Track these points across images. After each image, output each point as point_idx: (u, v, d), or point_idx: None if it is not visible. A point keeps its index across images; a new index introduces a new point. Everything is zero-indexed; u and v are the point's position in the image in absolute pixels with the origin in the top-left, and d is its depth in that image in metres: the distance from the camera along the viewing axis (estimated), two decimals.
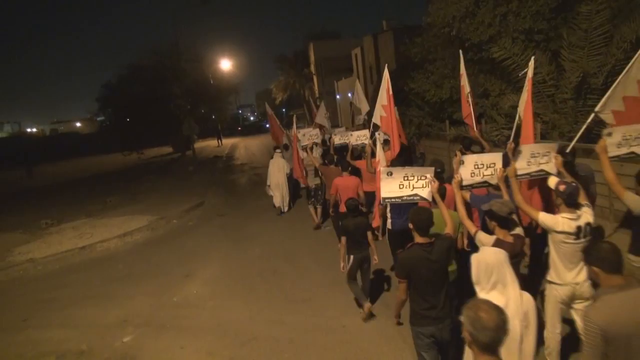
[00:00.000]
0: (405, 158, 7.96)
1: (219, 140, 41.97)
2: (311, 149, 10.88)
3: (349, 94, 34.55)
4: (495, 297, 2.75)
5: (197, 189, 17.33)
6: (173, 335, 6.22)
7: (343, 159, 8.78)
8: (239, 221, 12.10)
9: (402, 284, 3.83)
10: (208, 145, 41.62)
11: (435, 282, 3.73)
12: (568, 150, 5.10)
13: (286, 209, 12.13)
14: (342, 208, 6.94)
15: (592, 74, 8.83)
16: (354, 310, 6.07)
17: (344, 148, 9.96)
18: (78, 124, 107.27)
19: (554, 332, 4.06)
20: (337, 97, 37.51)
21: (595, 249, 2.86)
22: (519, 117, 5.99)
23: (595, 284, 3.15)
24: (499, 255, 2.91)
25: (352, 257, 5.90)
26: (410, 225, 3.92)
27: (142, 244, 11.24)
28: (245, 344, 5.76)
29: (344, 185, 7.67)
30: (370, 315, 5.81)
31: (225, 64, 35.96)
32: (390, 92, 7.64)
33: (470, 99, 7.71)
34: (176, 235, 11.62)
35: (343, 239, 5.88)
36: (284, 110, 53.25)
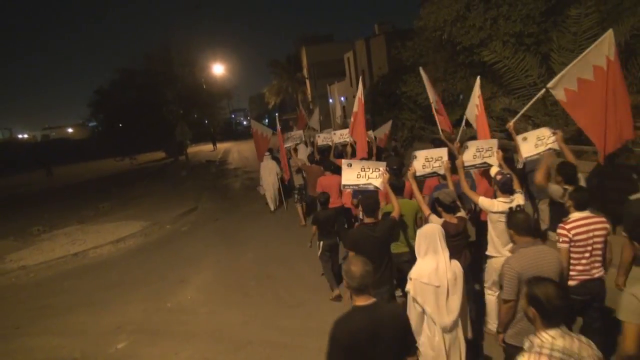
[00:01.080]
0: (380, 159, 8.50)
1: (214, 145, 42.06)
2: (295, 149, 11.62)
3: (342, 98, 34.65)
4: (428, 260, 3.65)
5: (190, 194, 17.28)
6: (167, 341, 6.19)
7: (326, 159, 9.32)
8: (233, 226, 12.08)
9: (351, 252, 4.63)
10: (201, 150, 41.52)
11: (376, 253, 4.46)
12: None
13: (276, 206, 12.69)
14: (330, 204, 7.42)
15: None
16: None
17: (328, 149, 10.52)
18: (70, 130, 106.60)
19: (493, 295, 4.94)
20: (330, 100, 37.59)
21: (512, 218, 3.81)
22: (466, 123, 7.39)
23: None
24: (433, 230, 3.73)
25: (321, 242, 6.79)
26: (360, 208, 4.95)
27: (135, 249, 11.19)
28: (240, 349, 5.75)
29: (327, 183, 8.11)
30: (338, 298, 6.57)
31: (218, 69, 35.94)
32: (363, 101, 8.85)
33: (437, 107, 8.30)
34: (170, 241, 11.58)
35: (314, 227, 6.88)
36: (277, 114, 53.28)
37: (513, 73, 10.07)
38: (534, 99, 6.08)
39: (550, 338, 2.39)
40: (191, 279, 8.53)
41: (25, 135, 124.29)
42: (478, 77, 7.01)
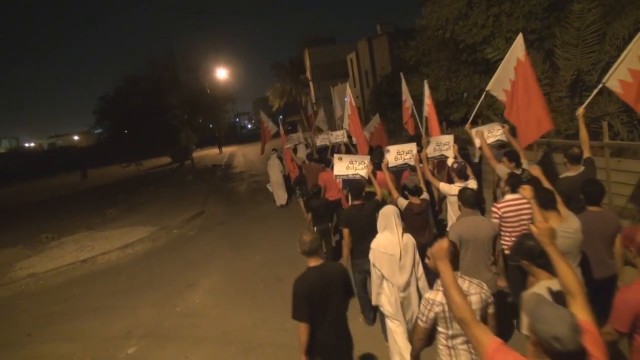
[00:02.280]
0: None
1: (220, 148, 42.34)
2: (294, 149, 12.74)
3: (345, 99, 34.65)
4: (385, 234, 4.46)
5: (197, 198, 17.34)
6: (177, 345, 6.21)
7: (325, 157, 10.24)
8: (240, 229, 12.11)
9: (345, 230, 5.59)
10: (207, 154, 41.69)
11: (366, 228, 5.21)
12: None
13: (284, 202, 13.50)
14: (330, 196, 8.46)
15: (586, 71, 8.88)
16: (357, 314, 6.08)
17: (326, 148, 11.27)
18: (76, 138, 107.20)
19: None
20: (334, 102, 37.65)
21: (461, 193, 4.70)
22: (426, 119, 8.33)
23: None
24: (390, 210, 4.52)
25: (315, 228, 7.57)
26: (349, 193, 6.05)
27: (143, 255, 11.24)
28: (250, 351, 5.76)
29: (328, 177, 8.62)
30: None
31: (222, 73, 36.11)
32: (354, 104, 10.11)
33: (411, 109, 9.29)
34: (177, 245, 11.62)
35: (309, 215, 7.94)
36: (281, 117, 53.34)
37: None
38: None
39: None
40: (200, 282, 8.56)
41: (32, 144, 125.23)
42: (425, 81, 8.15)
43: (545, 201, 3.88)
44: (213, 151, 43.34)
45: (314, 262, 3.78)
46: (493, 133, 6.63)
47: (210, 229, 12.80)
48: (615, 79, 5.46)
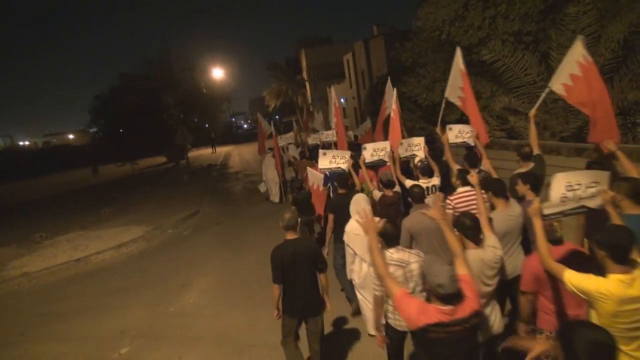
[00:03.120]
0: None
1: (213, 148, 42.48)
2: (286, 148, 14.02)
3: (342, 100, 34.68)
4: (357, 219, 4.97)
5: (192, 198, 17.30)
6: (171, 346, 6.19)
7: (316, 154, 10.34)
8: (235, 229, 12.09)
9: (330, 215, 6.22)
10: (202, 154, 41.62)
11: (349, 215, 5.39)
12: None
13: (277, 200, 13.86)
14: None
15: None
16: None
17: (317, 146, 11.87)
18: (71, 136, 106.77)
19: None
20: (342, 100, 37.69)
21: (410, 190, 5.35)
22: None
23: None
24: (359, 197, 5.33)
25: (299, 219, 7.35)
26: (336, 183, 6.67)
27: (137, 254, 11.20)
28: (244, 352, 5.74)
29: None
30: None
31: (218, 73, 36.03)
32: (337, 105, 10.97)
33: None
34: (172, 245, 11.59)
35: (293, 207, 7.94)
36: (277, 117, 53.33)
37: (512, 72, 10.08)
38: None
39: (389, 253, 3.85)
40: (194, 282, 8.54)
41: (27, 142, 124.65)
42: (394, 89, 8.69)
43: (497, 189, 4.54)
44: (208, 151, 43.32)
45: (290, 236, 4.58)
46: (462, 135, 7.15)
47: (205, 229, 12.77)
48: (559, 83, 5.86)
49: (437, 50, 13.00)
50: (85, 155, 42.12)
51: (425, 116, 14.18)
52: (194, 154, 39.04)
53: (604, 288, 2.64)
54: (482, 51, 10.34)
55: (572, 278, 2.83)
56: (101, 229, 13.61)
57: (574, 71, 5.65)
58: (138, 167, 33.87)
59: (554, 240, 3.41)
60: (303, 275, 4.53)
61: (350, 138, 11.64)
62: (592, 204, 3.50)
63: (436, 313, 2.74)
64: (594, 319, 2.76)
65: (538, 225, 3.23)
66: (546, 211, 3.39)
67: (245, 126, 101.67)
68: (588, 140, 6.00)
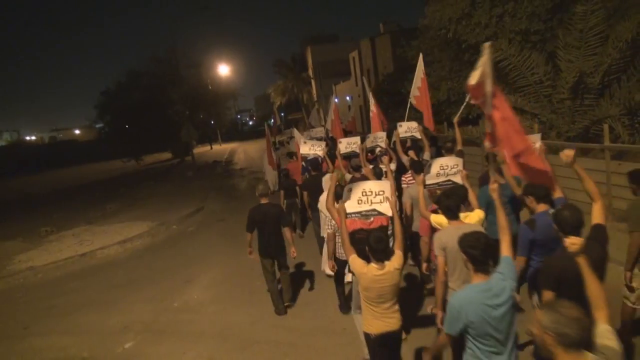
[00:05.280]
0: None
1: (211, 146, 43.24)
2: (288, 141, 15.38)
3: (347, 97, 34.62)
4: (325, 194, 5.98)
5: (196, 194, 17.34)
6: (174, 341, 6.22)
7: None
8: (239, 226, 11.99)
9: (305, 192, 8.58)
10: (207, 150, 41.77)
11: (320, 192, 7.11)
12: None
13: (276, 188, 13.90)
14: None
15: (589, 73, 8.86)
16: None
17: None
18: (77, 132, 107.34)
19: None
20: (335, 100, 37.64)
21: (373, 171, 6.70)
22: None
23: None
24: (328, 177, 6.53)
25: (285, 202, 9.81)
26: (310, 167, 8.82)
27: (142, 250, 11.24)
28: (247, 348, 5.76)
29: (292, 167, 10.67)
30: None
31: (224, 70, 36.09)
32: (335, 107, 13.07)
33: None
34: (176, 241, 11.63)
35: (281, 192, 10.07)
36: (282, 114, 53.33)
37: (519, 71, 10.02)
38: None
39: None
40: (198, 278, 8.57)
41: (33, 137, 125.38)
42: (369, 88, 9.83)
43: (416, 167, 6.10)
44: (215, 147, 43.67)
45: (263, 201, 6.41)
46: (410, 130, 8.49)
47: (209, 225, 12.80)
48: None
49: (444, 48, 12.97)
50: (91, 150, 42.39)
51: (432, 115, 14.12)
52: (199, 150, 39.18)
53: (358, 270, 3.76)
54: None
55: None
56: (106, 224, 13.66)
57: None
58: (143, 163, 33.97)
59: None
60: (271, 229, 6.35)
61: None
62: (456, 179, 5.33)
63: (360, 224, 4.71)
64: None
65: (421, 191, 4.88)
66: (427, 182, 5.24)
67: (250, 123, 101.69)
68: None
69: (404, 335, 4.24)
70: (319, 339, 5.69)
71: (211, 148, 43.59)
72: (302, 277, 7.79)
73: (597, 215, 3.34)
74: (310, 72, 46.78)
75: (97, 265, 10.34)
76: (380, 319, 3.76)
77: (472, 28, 10.95)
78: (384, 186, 4.60)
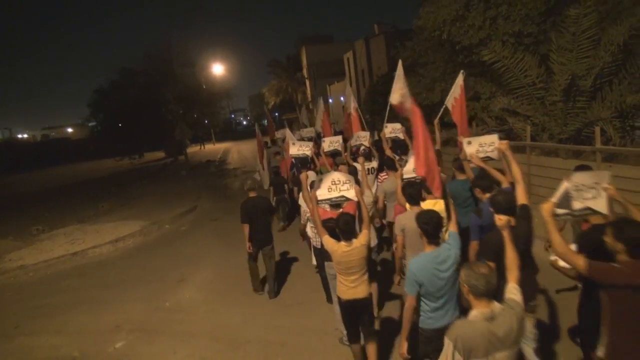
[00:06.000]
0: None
1: (202, 146, 43.16)
2: (282, 140, 14.85)
3: (341, 98, 34.63)
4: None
5: (189, 194, 17.29)
6: (166, 341, 6.19)
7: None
8: (232, 225, 12.03)
9: (295, 188, 9.30)
10: (198, 150, 41.69)
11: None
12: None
13: (266, 186, 13.98)
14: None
15: (581, 76, 8.93)
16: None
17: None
18: (70, 130, 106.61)
19: None
20: (330, 100, 37.64)
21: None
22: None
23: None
24: (312, 174, 7.19)
25: (275, 197, 10.52)
26: (299, 164, 9.61)
27: (134, 249, 11.20)
28: (239, 348, 5.75)
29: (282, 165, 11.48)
30: (284, 229, 10.71)
31: (218, 69, 35.99)
32: (325, 112, 13.95)
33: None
34: (169, 241, 11.59)
35: (271, 188, 10.73)
36: (276, 114, 53.29)
37: (512, 73, 10.07)
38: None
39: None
40: (190, 278, 8.54)
41: (25, 135, 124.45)
42: (349, 87, 10.60)
43: (390, 165, 6.84)
44: (208, 146, 43.50)
45: (252, 194, 7.06)
46: (395, 131, 9.01)
47: (202, 225, 12.77)
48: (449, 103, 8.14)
49: (438, 50, 13.01)
50: (83, 149, 42.16)
51: (425, 116, 14.13)
52: (193, 149, 39.05)
53: (330, 247, 4.33)
54: (482, 52, 10.33)
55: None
56: (98, 223, 13.60)
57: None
58: (137, 161, 33.83)
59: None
60: (260, 219, 6.98)
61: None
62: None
63: (330, 214, 5.00)
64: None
65: (399, 184, 5.39)
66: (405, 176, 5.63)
67: (244, 123, 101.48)
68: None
69: (376, 312, 5.01)
70: (311, 339, 5.70)
71: (201, 148, 43.38)
72: (294, 276, 7.81)
73: (521, 196, 3.85)
74: (305, 72, 46.81)
75: (88, 265, 10.29)
76: (351, 288, 4.38)
77: (466, 30, 10.99)
78: (350, 178, 5.26)
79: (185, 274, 8.76)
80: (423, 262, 3.60)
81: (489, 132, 10.47)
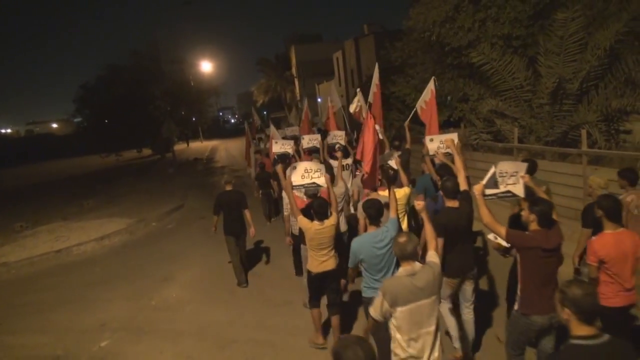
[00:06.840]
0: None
1: (187, 143, 43.10)
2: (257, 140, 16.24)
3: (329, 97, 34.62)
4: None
5: (176, 192, 17.17)
6: (151, 340, 6.14)
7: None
8: (220, 224, 11.98)
9: (274, 182, 10.64)
10: (185, 148, 41.41)
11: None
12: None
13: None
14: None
15: (568, 79, 9.02)
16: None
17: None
18: (54, 125, 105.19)
19: None
20: (319, 100, 37.62)
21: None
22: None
23: None
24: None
25: (260, 191, 11.28)
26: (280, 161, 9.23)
27: (120, 247, 11.08)
28: (225, 347, 5.72)
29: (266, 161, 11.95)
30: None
31: (206, 66, 35.81)
32: (307, 112, 14.04)
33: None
34: (155, 238, 11.49)
35: (256, 183, 11.45)
36: (265, 112, 53.16)
37: (500, 75, 10.14)
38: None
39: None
40: (176, 276, 8.48)
41: (9, 130, 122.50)
42: (333, 85, 10.41)
43: (345, 152, 8.29)
44: (195, 144, 43.21)
45: (228, 188, 7.72)
46: (337, 136, 9.78)
47: (189, 223, 12.68)
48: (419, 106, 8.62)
49: (427, 51, 13.04)
50: (68, 145, 41.63)
51: (414, 116, 14.21)
52: (180, 147, 38.76)
53: (305, 225, 5.02)
54: (471, 53, 10.39)
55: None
56: (83, 220, 13.43)
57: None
58: (123, 158, 33.50)
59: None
60: (234, 211, 7.50)
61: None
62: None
63: (307, 202, 5.72)
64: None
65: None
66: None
67: (232, 120, 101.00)
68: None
69: (342, 283, 5.59)
70: (299, 338, 5.68)
71: (187, 145, 43.21)
72: (282, 276, 7.78)
73: (462, 183, 4.65)
74: (294, 71, 46.72)
75: (73, 262, 10.16)
76: (322, 262, 5.09)
77: (455, 31, 11.03)
78: (321, 167, 6.12)
79: (172, 272, 8.69)
80: (363, 240, 4.37)
81: (477, 134, 10.63)
